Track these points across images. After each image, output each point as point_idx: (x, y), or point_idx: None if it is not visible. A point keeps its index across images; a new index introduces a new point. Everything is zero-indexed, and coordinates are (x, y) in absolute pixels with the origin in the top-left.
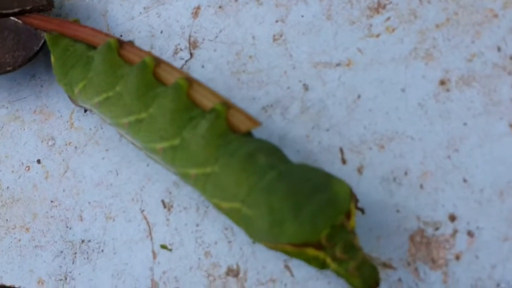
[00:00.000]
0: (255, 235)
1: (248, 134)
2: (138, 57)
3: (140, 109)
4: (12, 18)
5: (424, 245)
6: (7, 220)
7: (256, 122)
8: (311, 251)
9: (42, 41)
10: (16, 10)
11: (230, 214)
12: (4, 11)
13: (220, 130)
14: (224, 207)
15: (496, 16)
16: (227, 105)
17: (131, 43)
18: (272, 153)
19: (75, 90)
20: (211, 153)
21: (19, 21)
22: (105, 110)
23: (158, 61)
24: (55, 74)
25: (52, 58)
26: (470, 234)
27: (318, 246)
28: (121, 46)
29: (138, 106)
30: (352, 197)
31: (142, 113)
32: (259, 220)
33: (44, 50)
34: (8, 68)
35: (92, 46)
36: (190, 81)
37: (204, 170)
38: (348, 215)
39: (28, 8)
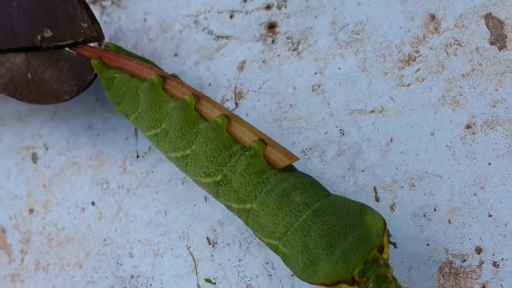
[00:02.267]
0: (293, 271)
1: (287, 166)
2: (180, 92)
3: (185, 146)
4: (66, 49)
5: (452, 275)
6: (62, 258)
7: (293, 157)
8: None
9: (95, 71)
10: (70, 42)
11: (270, 247)
12: (59, 43)
13: (257, 168)
14: (264, 241)
15: None
16: (265, 142)
17: (174, 77)
18: (308, 188)
19: (130, 119)
20: (250, 190)
21: (73, 52)
22: (156, 144)
23: (199, 97)
24: (111, 101)
25: (104, 86)
26: (495, 265)
27: (352, 283)
28: (165, 80)
29: (182, 143)
30: (385, 229)
31: (187, 149)
32: (295, 259)
33: (97, 81)
34: (66, 97)
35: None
36: (230, 117)
37: (244, 206)
38: (381, 248)
39: (80, 39)
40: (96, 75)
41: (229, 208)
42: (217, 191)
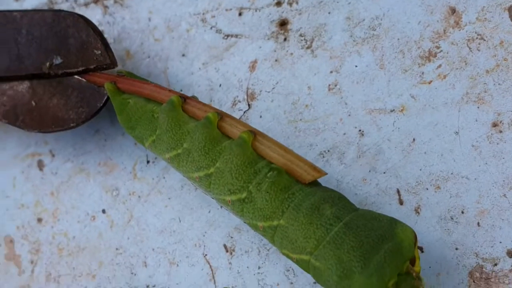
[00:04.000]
0: (325, 286)
1: (312, 181)
2: (202, 111)
3: (208, 164)
4: (76, 76)
5: (483, 280)
6: (73, 268)
7: (320, 172)
8: None
9: (105, 97)
10: (81, 69)
11: (300, 264)
12: (69, 70)
13: (283, 185)
14: (294, 257)
15: None
16: (290, 160)
17: (194, 98)
18: (337, 202)
19: (145, 144)
20: (277, 207)
21: (83, 79)
22: (176, 166)
23: (221, 115)
24: (122, 126)
25: (116, 111)
26: None
27: None
28: (184, 101)
29: (206, 161)
30: (416, 242)
31: (210, 168)
32: (328, 272)
33: (107, 106)
34: (71, 124)
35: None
36: (254, 133)
37: (271, 223)
38: (413, 261)
39: (92, 67)
40: (106, 101)
41: (254, 227)
42: (242, 209)
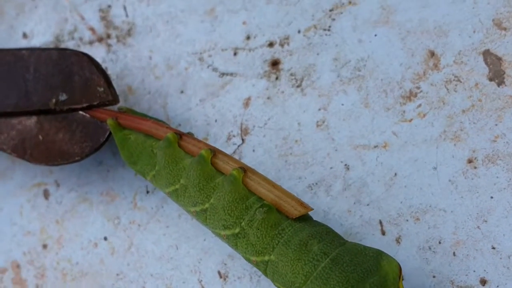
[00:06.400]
0: None
1: (301, 216)
2: (196, 147)
3: (203, 200)
4: (80, 112)
5: None
6: None
7: (307, 207)
8: None
9: (108, 133)
10: (85, 105)
11: None
12: (73, 106)
13: (273, 221)
14: None
15: None
16: (278, 196)
17: (190, 134)
18: (324, 237)
19: (147, 178)
20: (268, 243)
21: (87, 114)
22: (175, 200)
23: (214, 151)
24: (125, 161)
25: (118, 146)
26: None
27: None
28: (180, 137)
29: (201, 197)
30: (401, 274)
31: (205, 203)
32: None
33: (109, 140)
34: (76, 158)
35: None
36: (244, 170)
37: (263, 258)
38: None
39: (95, 103)
40: (108, 136)
41: (248, 260)
42: (236, 243)
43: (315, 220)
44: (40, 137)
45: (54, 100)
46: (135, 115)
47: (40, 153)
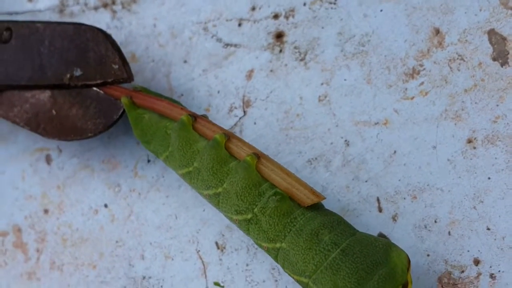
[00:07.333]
0: None
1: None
2: (211, 131)
3: (217, 184)
4: (94, 88)
5: (451, 286)
6: (76, 257)
7: (319, 196)
8: None
9: (121, 110)
10: (99, 81)
11: (300, 284)
12: (88, 82)
13: (285, 210)
14: (294, 278)
15: None
16: (291, 184)
17: (205, 117)
18: (335, 227)
19: (160, 158)
20: (280, 231)
21: (101, 91)
22: (188, 182)
23: (229, 136)
24: (138, 140)
25: (132, 124)
26: (492, 276)
27: None
28: (195, 120)
29: (214, 181)
30: (409, 266)
31: (218, 187)
32: None
33: (122, 118)
34: (89, 134)
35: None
36: (258, 156)
37: (274, 245)
38: (405, 285)
39: (109, 80)
40: (122, 114)
41: (259, 246)
42: (248, 228)
43: (326, 209)
44: (54, 111)
45: (68, 75)
46: (149, 94)
47: (53, 128)
